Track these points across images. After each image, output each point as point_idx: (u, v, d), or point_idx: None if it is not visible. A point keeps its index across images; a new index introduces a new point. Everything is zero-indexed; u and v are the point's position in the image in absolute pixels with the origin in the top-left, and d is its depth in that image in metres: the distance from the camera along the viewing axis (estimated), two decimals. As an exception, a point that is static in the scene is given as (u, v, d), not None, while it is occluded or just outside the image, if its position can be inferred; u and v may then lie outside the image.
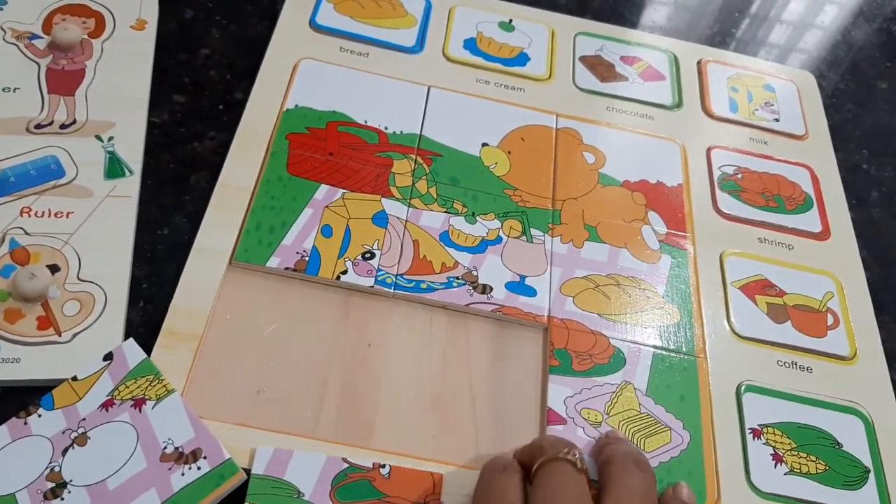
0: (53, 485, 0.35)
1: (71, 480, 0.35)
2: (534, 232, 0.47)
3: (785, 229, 0.51)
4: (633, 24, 0.63)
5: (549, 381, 0.42)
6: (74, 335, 0.39)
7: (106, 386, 0.38)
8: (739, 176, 0.53)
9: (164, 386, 0.38)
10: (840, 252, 0.51)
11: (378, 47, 0.55)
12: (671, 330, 0.45)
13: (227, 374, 0.40)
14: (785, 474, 0.41)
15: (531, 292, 0.45)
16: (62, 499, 0.34)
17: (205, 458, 0.36)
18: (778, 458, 0.42)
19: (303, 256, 0.44)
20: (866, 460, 0.42)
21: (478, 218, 0.47)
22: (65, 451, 0.36)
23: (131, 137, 0.47)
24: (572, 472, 0.34)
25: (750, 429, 0.42)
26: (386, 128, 0.51)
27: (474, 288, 0.44)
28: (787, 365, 0.45)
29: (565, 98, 0.55)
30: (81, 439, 0.36)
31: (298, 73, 0.52)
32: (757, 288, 0.48)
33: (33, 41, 0.50)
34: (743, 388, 0.44)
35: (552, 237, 0.48)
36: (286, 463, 0.36)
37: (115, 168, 0.46)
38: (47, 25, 0.51)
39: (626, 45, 0.60)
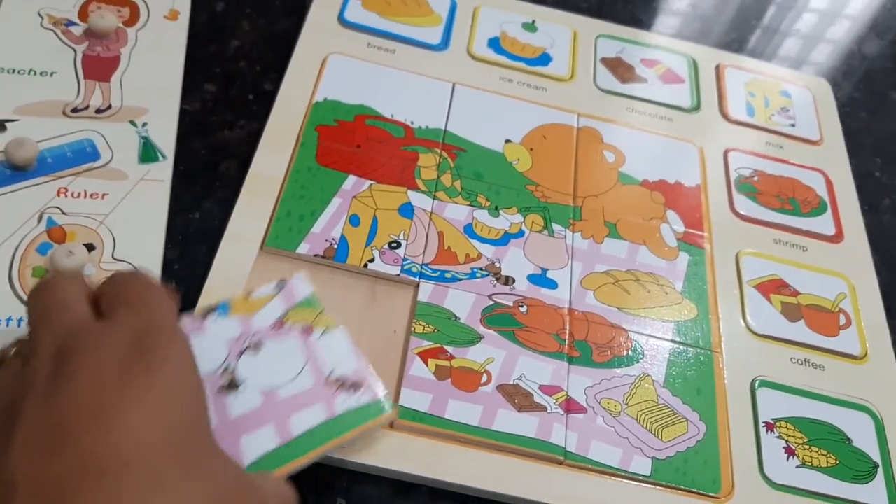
0: (228, 382, 0.36)
1: (245, 381, 0.37)
2: (555, 227, 0.49)
3: (799, 231, 0.52)
4: (652, 28, 0.65)
5: (570, 371, 0.43)
6: (109, 313, 0.40)
7: (277, 309, 0.40)
8: (756, 178, 0.55)
9: (328, 321, 0.40)
10: (853, 255, 0.52)
11: (404, 44, 0.56)
12: (688, 325, 0.46)
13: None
14: (797, 467, 0.42)
15: (553, 285, 0.46)
16: (236, 396, 0.36)
17: (364, 391, 0.38)
18: (790, 452, 0.43)
19: (331, 244, 0.45)
20: (875, 456, 0.44)
21: (501, 211, 0.49)
22: (239, 354, 0.37)
23: (164, 124, 0.48)
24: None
25: (764, 422, 0.43)
26: (412, 122, 0.52)
27: (497, 279, 0.46)
28: (800, 362, 0.46)
29: (586, 98, 0.56)
30: (255, 346, 0.38)
31: (327, 67, 0.53)
32: (772, 287, 0.49)
33: (70, 27, 0.51)
34: (757, 383, 0.45)
35: (573, 232, 0.49)
36: (444, 296, 0.44)
37: (148, 153, 0.47)
38: (83, 13, 0.52)
39: (646, 48, 0.61)
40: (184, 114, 0.50)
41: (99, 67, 0.50)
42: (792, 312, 0.48)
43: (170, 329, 0.30)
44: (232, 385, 0.36)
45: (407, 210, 0.47)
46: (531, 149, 0.52)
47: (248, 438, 0.35)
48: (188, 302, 0.42)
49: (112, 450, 0.26)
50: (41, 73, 0.48)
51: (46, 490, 0.25)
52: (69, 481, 0.25)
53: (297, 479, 0.34)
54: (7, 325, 0.39)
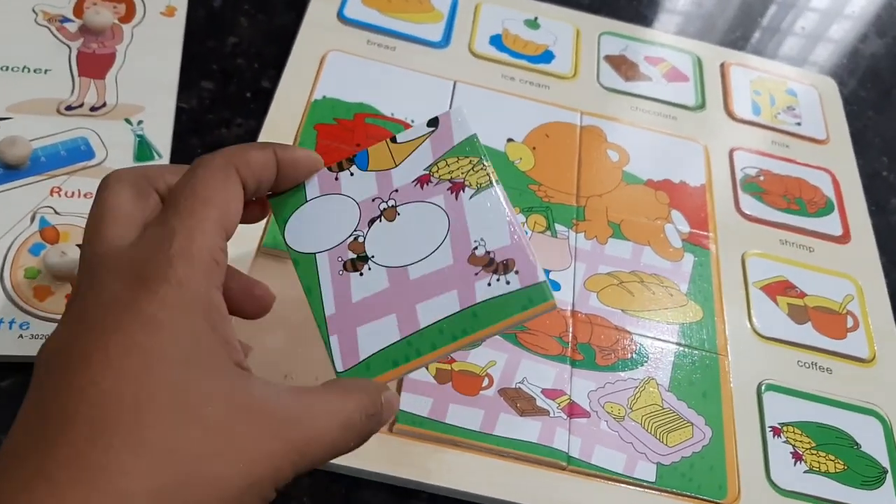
0: (355, 256, 0.31)
1: (373, 256, 0.31)
2: (558, 227, 0.48)
3: (806, 232, 0.52)
4: (656, 25, 0.64)
5: (573, 375, 0.42)
6: (103, 315, 0.40)
7: (425, 158, 0.32)
8: (761, 178, 0.54)
9: (486, 174, 0.32)
10: (860, 256, 0.51)
11: (405, 41, 0.55)
12: (694, 327, 0.45)
13: (255, 359, 0.39)
14: (804, 472, 0.41)
15: (555, 286, 0.45)
16: (361, 273, 0.31)
17: (516, 272, 0.30)
18: (797, 457, 0.42)
19: (330, 244, 0.44)
20: (884, 461, 0.43)
21: (503, 211, 0.48)
22: (371, 221, 0.32)
23: (160, 122, 0.47)
24: None
25: (770, 427, 0.43)
26: (412, 121, 0.51)
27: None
28: (807, 365, 0.46)
29: (590, 96, 0.56)
30: (390, 213, 0.32)
31: (326, 64, 0.53)
32: (778, 288, 0.48)
33: (65, 24, 0.50)
34: (764, 386, 0.44)
35: (576, 233, 0.48)
36: None
37: (144, 151, 0.46)
38: (78, 9, 0.51)
39: (650, 46, 0.60)
40: (180, 112, 0.49)
41: (94, 64, 0.49)
42: (799, 314, 0.47)
43: (176, 250, 0.26)
44: (359, 260, 0.31)
45: (407, 210, 0.46)
46: (533, 148, 0.51)
47: (365, 330, 0.30)
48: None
49: (60, 417, 0.23)
50: (35, 71, 0.48)
51: (11, 447, 0.24)
52: (18, 447, 0.23)
53: (293, 484, 0.33)
54: (-2, 327, 0.38)
